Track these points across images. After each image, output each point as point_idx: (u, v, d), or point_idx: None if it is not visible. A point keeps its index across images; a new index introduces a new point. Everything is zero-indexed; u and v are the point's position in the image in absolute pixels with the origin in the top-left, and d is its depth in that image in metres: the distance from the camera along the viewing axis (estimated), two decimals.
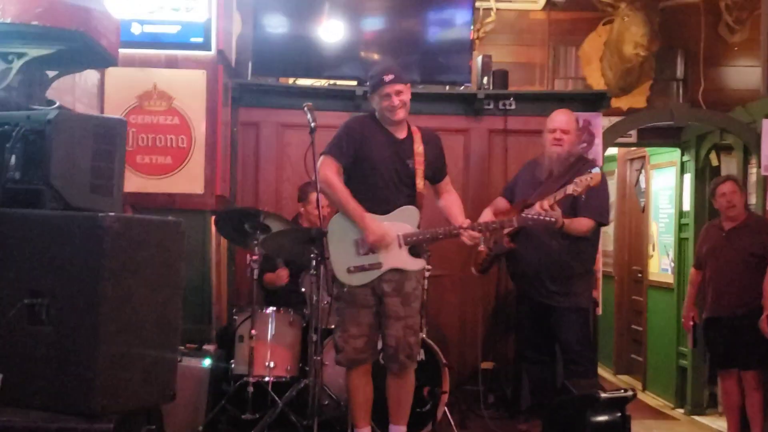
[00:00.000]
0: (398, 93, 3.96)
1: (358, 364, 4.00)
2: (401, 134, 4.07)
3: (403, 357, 3.96)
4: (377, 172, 3.98)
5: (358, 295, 3.96)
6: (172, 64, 4.97)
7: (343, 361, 4.01)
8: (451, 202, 4.20)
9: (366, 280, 3.95)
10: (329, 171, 3.95)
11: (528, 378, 5.06)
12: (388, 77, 3.96)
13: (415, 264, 4.04)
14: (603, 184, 4.50)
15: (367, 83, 4.18)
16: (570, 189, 4.24)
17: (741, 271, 5.06)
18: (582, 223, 4.41)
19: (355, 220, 3.93)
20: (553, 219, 4.15)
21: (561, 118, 4.57)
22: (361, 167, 3.99)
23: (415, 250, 4.05)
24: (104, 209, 2.68)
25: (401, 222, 4.00)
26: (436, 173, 4.17)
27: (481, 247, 4.70)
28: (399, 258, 3.98)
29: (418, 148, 4.05)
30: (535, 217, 4.14)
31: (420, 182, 4.04)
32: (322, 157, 3.98)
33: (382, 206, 3.97)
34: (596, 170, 4.31)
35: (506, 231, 4.53)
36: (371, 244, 3.92)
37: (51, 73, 3.62)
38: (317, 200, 3.97)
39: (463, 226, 4.02)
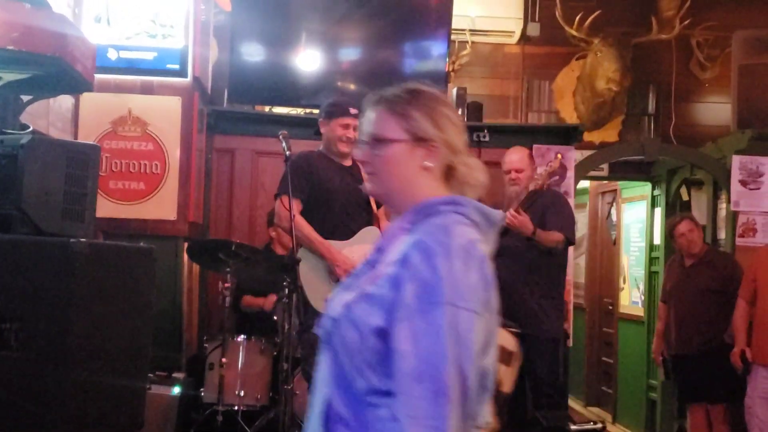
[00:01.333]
0: (355, 129, 4.02)
1: None
2: (347, 162, 4.12)
3: None
4: (334, 200, 4.00)
5: None
6: (147, 90, 4.96)
7: None
8: None
9: None
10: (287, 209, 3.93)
11: None
12: (354, 111, 3.97)
13: None
14: (565, 200, 4.57)
15: (327, 108, 4.12)
16: (532, 186, 4.29)
17: (702, 308, 5.09)
18: (553, 235, 4.46)
19: (322, 254, 3.94)
20: None
21: (513, 158, 4.63)
22: (317, 198, 4.00)
23: None
24: (76, 235, 2.67)
25: (365, 244, 4.00)
26: None
27: None
28: None
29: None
30: None
31: (375, 204, 4.08)
32: (277, 200, 3.98)
33: (344, 233, 3.99)
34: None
35: None
36: (341, 277, 3.92)
37: (26, 98, 3.61)
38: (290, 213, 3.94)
39: None
